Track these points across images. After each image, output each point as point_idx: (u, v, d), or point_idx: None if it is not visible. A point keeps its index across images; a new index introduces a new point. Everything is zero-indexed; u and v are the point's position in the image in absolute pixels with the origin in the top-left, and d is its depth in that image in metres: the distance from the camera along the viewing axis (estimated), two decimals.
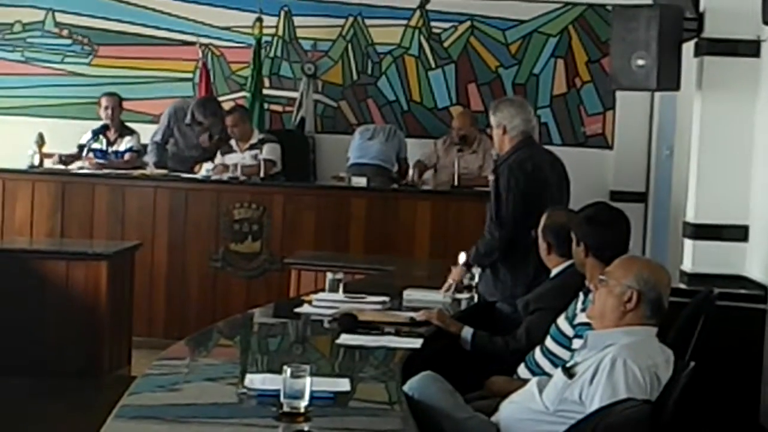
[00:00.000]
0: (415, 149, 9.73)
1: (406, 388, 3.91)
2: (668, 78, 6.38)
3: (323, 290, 5.65)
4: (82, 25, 10.49)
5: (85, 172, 9.00)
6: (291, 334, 5.16)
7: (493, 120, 5.94)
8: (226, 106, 9.84)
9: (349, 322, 4.77)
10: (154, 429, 3.39)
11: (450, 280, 5.82)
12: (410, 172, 9.45)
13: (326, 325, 4.97)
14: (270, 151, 9.11)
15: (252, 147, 9.13)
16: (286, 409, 3.33)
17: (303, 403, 3.33)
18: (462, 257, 5.86)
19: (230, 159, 9.06)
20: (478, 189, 8.53)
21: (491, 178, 6.10)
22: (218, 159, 9.21)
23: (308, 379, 3.33)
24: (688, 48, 6.56)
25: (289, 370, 3.33)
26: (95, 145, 9.32)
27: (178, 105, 9.66)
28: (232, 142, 9.22)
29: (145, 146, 9.48)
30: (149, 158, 9.38)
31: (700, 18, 6.52)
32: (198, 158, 9.31)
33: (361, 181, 8.91)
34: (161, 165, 9.30)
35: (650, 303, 3.81)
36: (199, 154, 9.36)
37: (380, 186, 9.04)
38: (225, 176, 8.81)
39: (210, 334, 4.94)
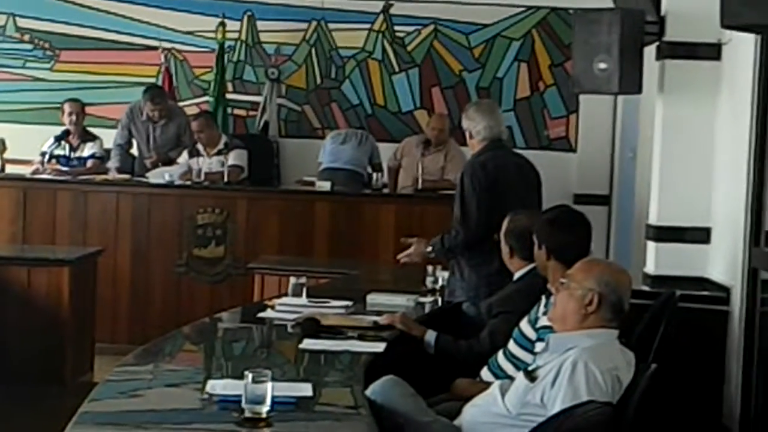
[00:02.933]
0: (381, 153, 9.71)
1: (368, 392, 3.90)
2: (630, 81, 6.40)
3: (286, 295, 5.63)
4: (43, 30, 10.45)
5: (47, 178, 8.93)
6: (255, 339, 5.13)
7: (463, 123, 6.01)
8: (190, 111, 9.81)
9: (311, 327, 4.76)
10: None
11: (411, 251, 5.94)
12: (374, 176, 9.43)
13: (289, 330, 4.96)
14: (237, 157, 9.07)
15: (219, 152, 9.09)
16: (247, 414, 3.31)
17: (264, 409, 3.32)
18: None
19: (196, 163, 9.03)
20: (441, 192, 8.54)
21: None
22: (183, 158, 9.16)
23: (270, 384, 3.32)
24: (649, 51, 6.59)
25: (250, 376, 3.32)
26: (58, 152, 9.25)
27: (134, 105, 9.59)
28: (199, 146, 9.18)
29: (108, 151, 9.42)
30: (112, 163, 9.31)
31: (661, 21, 6.54)
32: (158, 158, 9.26)
33: (324, 185, 8.90)
34: (124, 170, 9.24)
35: (611, 305, 3.82)
36: (161, 153, 9.31)
37: (344, 190, 9.03)
38: (189, 182, 8.77)
39: (173, 339, 4.91)
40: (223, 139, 9.24)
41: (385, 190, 9.35)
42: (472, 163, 5.88)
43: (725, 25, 4.95)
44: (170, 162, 9.24)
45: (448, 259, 5.90)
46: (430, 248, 5.94)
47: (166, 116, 9.40)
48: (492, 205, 5.69)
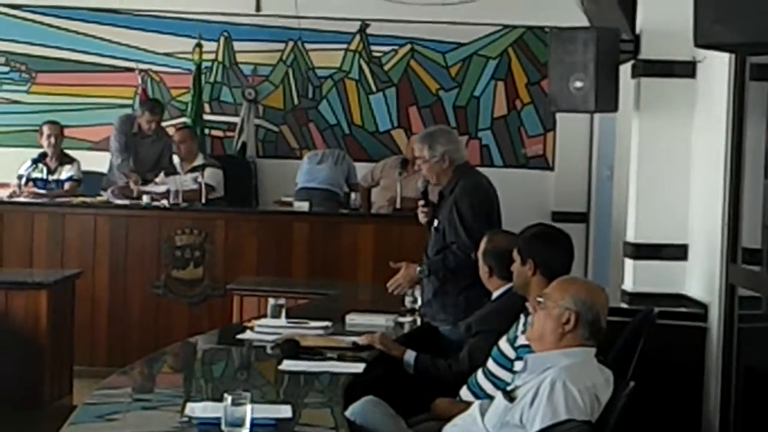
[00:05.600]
0: (359, 173, 9.72)
1: (348, 413, 3.90)
2: (606, 100, 6.41)
3: (265, 316, 5.63)
4: (19, 52, 10.41)
5: (24, 200, 8.90)
6: (235, 361, 5.13)
7: (428, 151, 5.93)
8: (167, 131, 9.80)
9: (291, 348, 4.76)
10: None
11: (400, 276, 5.91)
12: (352, 196, 9.41)
13: (269, 351, 4.96)
14: (210, 175, 9.08)
15: (194, 169, 9.09)
16: None
17: (244, 431, 3.31)
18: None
19: (172, 180, 9.01)
20: None
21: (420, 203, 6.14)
22: (160, 178, 9.13)
23: (249, 407, 3.32)
24: (625, 70, 6.61)
25: (229, 398, 3.32)
26: (35, 174, 9.22)
27: (122, 117, 9.56)
28: (176, 161, 9.17)
29: (85, 173, 9.38)
30: (120, 170, 9.26)
31: (636, 40, 6.57)
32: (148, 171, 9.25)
33: (303, 206, 8.89)
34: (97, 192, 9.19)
35: (588, 324, 3.83)
36: (140, 172, 9.28)
37: (323, 210, 9.03)
38: (165, 203, 8.75)
39: (151, 362, 4.90)
40: (200, 157, 9.25)
41: (362, 210, 9.35)
42: (463, 188, 5.84)
43: (698, 44, 4.97)
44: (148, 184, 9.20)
45: (445, 281, 5.85)
46: (422, 269, 5.88)
47: (156, 133, 9.40)
48: (490, 226, 5.69)
